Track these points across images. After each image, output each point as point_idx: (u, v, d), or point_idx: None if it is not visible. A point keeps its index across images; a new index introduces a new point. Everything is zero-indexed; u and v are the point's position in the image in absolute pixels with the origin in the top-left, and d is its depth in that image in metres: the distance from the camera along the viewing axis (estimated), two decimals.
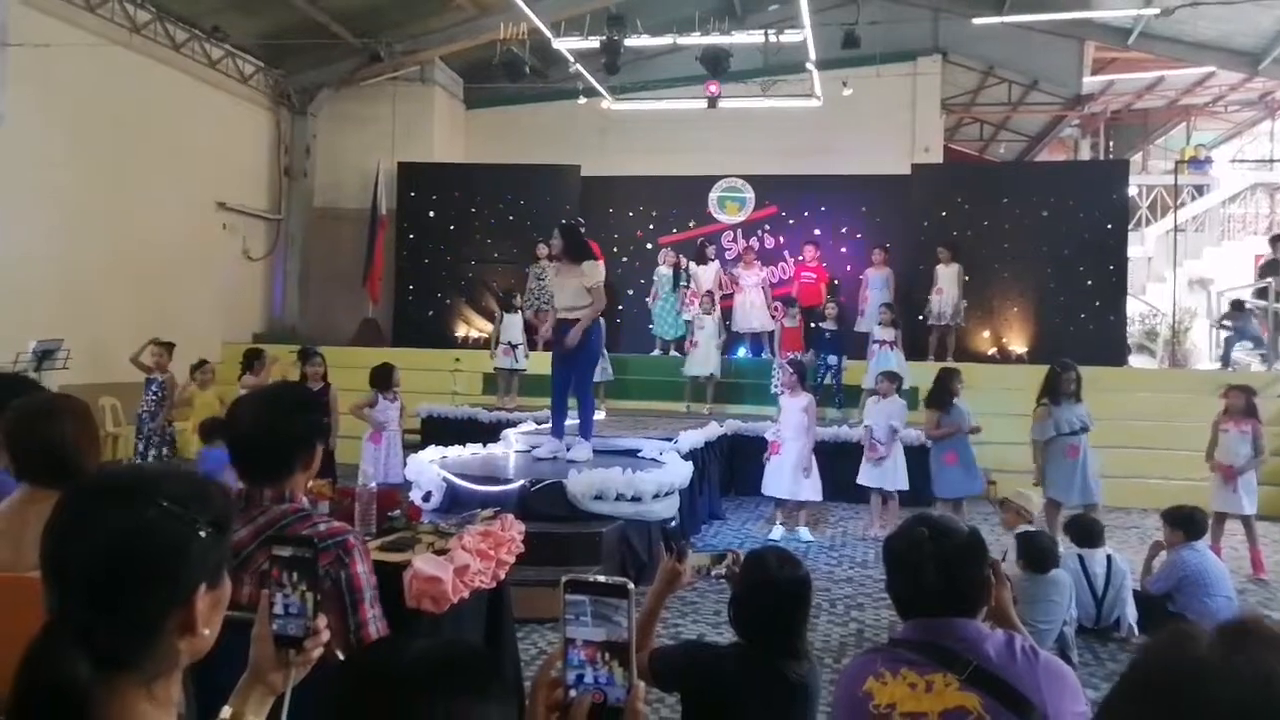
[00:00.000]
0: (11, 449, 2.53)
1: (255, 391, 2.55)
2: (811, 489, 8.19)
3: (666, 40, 12.48)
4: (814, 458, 8.23)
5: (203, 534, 1.17)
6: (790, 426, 8.18)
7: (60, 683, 1.07)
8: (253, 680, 1.45)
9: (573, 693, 1.15)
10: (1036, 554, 5.20)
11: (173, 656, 1.16)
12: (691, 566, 2.47)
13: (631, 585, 1.16)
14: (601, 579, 1.17)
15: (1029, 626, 2.94)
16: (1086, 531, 5.91)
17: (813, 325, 11.27)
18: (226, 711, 1.42)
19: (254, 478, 2.27)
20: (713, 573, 2.54)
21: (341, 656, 1.75)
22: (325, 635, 1.48)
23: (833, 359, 11.00)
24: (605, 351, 10.57)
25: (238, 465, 2.29)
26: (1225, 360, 13.17)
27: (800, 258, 13.41)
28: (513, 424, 9.52)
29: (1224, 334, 13.44)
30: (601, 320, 7.40)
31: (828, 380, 11.04)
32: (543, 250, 12.93)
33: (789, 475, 8.12)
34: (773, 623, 2.43)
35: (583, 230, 7.94)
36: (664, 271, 13.03)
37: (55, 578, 1.13)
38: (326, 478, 4.38)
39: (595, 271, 7.19)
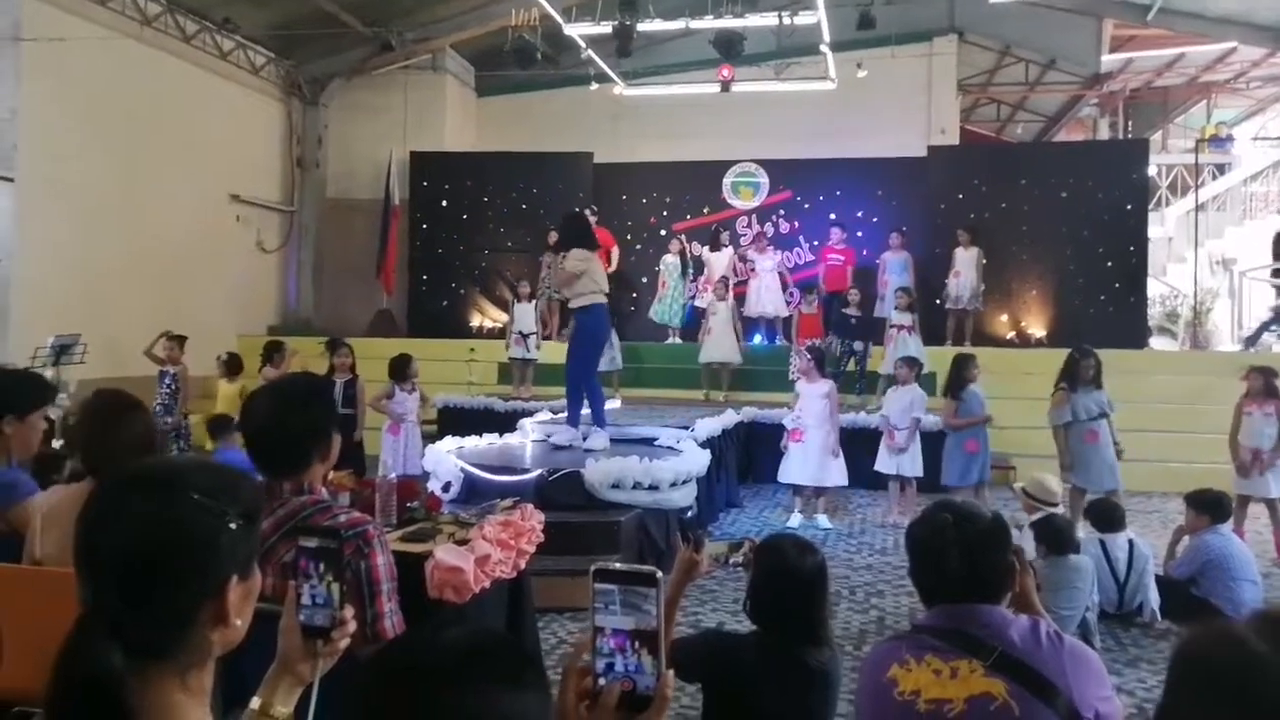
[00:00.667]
0: (93, 444, 2.57)
1: (267, 385, 2.58)
2: (839, 473, 8.19)
3: (679, 24, 12.41)
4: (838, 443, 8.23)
5: (233, 526, 1.19)
6: (812, 414, 8.16)
7: (95, 674, 1.08)
8: (280, 671, 1.47)
9: (602, 681, 1.16)
10: (1054, 535, 5.20)
11: (205, 648, 1.18)
12: (709, 555, 2.47)
13: (660, 574, 1.17)
14: (630, 567, 1.18)
15: (1051, 613, 2.94)
16: (1107, 516, 5.88)
17: (841, 311, 11.24)
18: (255, 702, 1.44)
19: (272, 471, 2.29)
20: (730, 561, 2.55)
21: (358, 649, 1.77)
22: (352, 626, 1.49)
23: (858, 345, 10.98)
24: (615, 340, 10.57)
25: (255, 459, 2.30)
26: (1252, 341, 13.07)
27: (823, 241, 13.36)
28: (528, 413, 9.55)
29: (1265, 316, 13.30)
30: (605, 308, 7.41)
31: (850, 366, 11.02)
32: (554, 238, 12.95)
33: (815, 461, 8.11)
34: (789, 610, 2.44)
35: (595, 218, 7.94)
36: (671, 260, 13.03)
37: (88, 569, 1.15)
38: (352, 469, 4.42)
39: (572, 259, 7.19)
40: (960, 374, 7.89)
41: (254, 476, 1.42)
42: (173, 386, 9.24)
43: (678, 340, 12.93)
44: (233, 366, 9.51)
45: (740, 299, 12.77)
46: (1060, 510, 6.00)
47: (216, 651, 1.20)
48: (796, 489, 8.39)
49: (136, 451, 2.52)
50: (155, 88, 11.94)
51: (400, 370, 8.22)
